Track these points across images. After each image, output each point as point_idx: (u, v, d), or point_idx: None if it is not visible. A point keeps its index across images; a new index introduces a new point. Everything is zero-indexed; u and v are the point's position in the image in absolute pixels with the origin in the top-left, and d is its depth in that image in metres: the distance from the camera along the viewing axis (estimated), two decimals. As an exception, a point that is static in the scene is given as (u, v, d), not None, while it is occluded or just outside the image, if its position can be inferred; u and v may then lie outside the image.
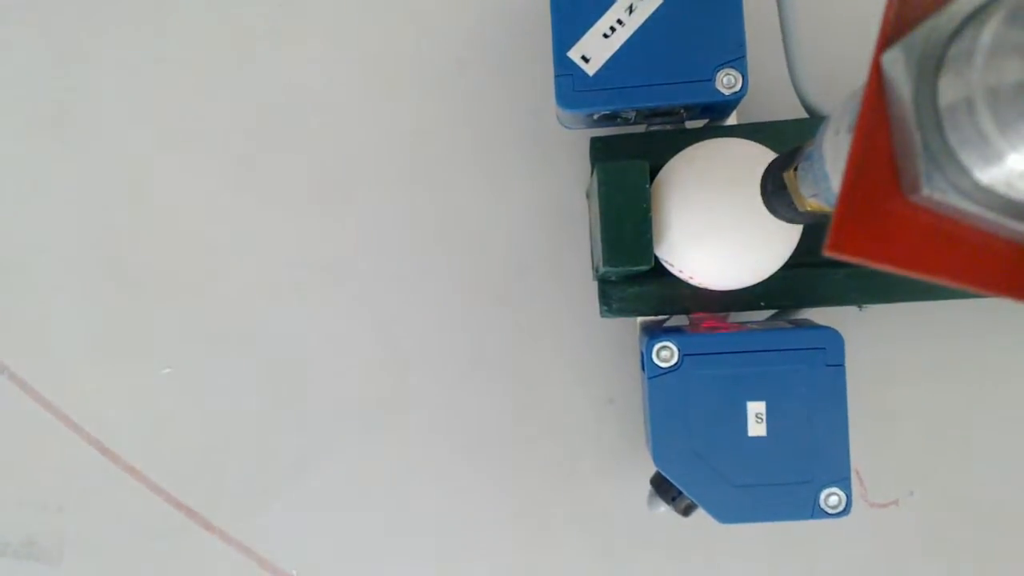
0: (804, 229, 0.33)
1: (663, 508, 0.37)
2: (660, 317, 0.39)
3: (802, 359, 0.35)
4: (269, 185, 0.44)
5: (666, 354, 0.35)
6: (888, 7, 0.16)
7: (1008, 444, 0.42)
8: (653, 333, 0.36)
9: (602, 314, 0.39)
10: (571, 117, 0.37)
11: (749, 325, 0.37)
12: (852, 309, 0.39)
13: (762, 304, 0.38)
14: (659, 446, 0.35)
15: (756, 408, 0.35)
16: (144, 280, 0.44)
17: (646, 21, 0.35)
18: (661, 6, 0.35)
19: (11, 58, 0.45)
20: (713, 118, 0.38)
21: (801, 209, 0.25)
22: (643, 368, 0.36)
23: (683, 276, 0.35)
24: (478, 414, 0.44)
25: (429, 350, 0.44)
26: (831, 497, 0.35)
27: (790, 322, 0.38)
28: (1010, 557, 0.42)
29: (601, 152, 0.38)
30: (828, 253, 0.17)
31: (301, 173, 0.44)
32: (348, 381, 0.44)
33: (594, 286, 0.41)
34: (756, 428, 0.35)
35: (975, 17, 0.15)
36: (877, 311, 0.41)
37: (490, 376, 0.44)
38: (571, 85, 0.36)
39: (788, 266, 0.35)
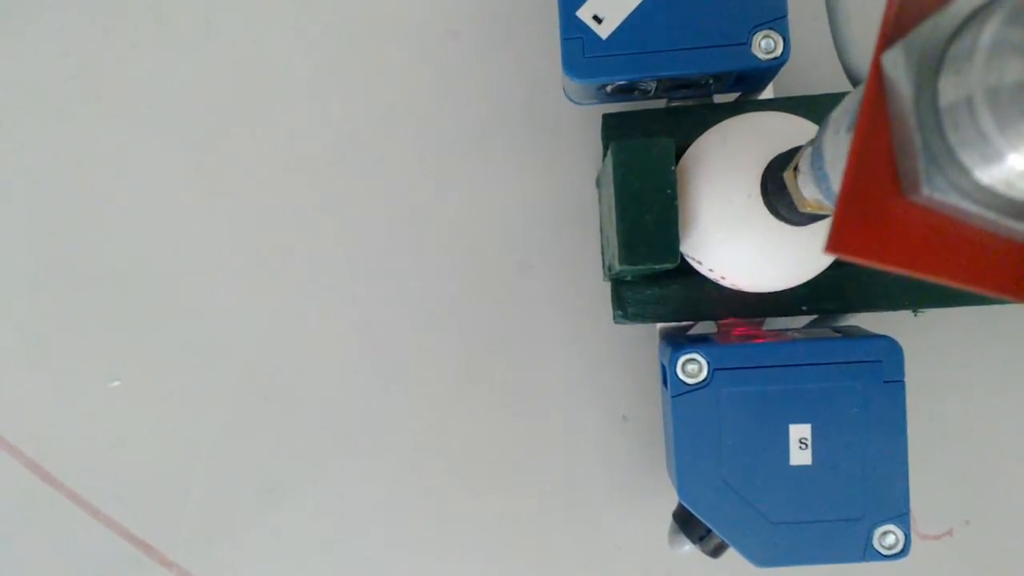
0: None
1: (688, 547, 0.32)
2: (684, 324, 0.34)
3: (854, 374, 0.30)
4: (235, 173, 0.39)
5: (693, 368, 0.30)
6: (888, 7, 0.16)
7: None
8: (677, 343, 0.31)
9: (616, 320, 0.34)
10: (580, 89, 0.32)
11: (789, 333, 0.32)
12: (906, 314, 0.34)
13: (804, 308, 0.33)
14: (684, 476, 0.30)
15: (800, 432, 0.30)
16: (90, 281, 0.39)
17: (669, -27, 0.30)
18: (688, -44, 0.30)
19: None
20: (747, 90, 0.33)
21: (802, 209, 0.25)
22: (665, 384, 0.32)
23: (712, 276, 0.31)
24: (474, 433, 0.39)
25: (418, 359, 0.39)
26: (887, 536, 0.31)
27: (836, 330, 0.33)
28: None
29: (616, 131, 0.33)
30: (827, 253, 0.17)
31: (272, 162, 0.39)
32: (328, 395, 0.39)
33: (607, 288, 0.36)
34: (799, 456, 0.30)
35: (975, 17, 0.15)
36: (933, 316, 0.36)
37: (488, 389, 0.39)
38: (580, 51, 0.31)
39: (834, 264, 0.30)
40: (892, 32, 0.16)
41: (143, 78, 0.39)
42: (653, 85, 0.32)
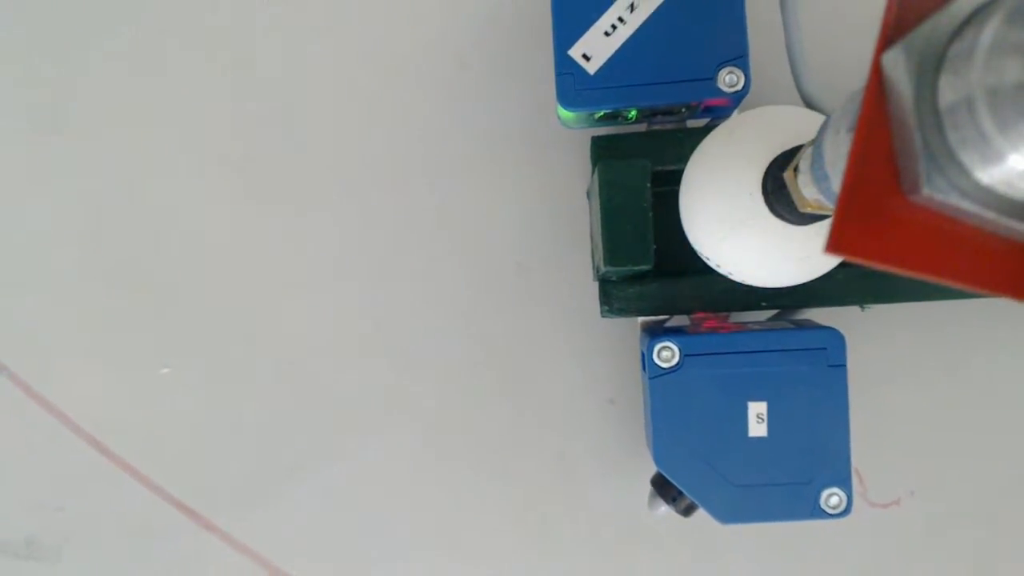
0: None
1: (664, 508, 0.37)
2: (661, 317, 0.39)
3: (804, 359, 0.35)
4: (267, 185, 0.44)
5: (667, 354, 0.35)
6: (888, 7, 0.16)
7: (1010, 444, 0.42)
8: (654, 333, 0.36)
9: (603, 314, 0.39)
10: (572, 117, 0.37)
11: (750, 325, 0.37)
12: (854, 309, 0.39)
13: (763, 304, 0.38)
14: (660, 446, 0.35)
15: (757, 409, 0.35)
16: (142, 281, 0.44)
17: (648, 19, 0.35)
18: (663, 4, 0.35)
19: (9, 59, 0.45)
20: (715, 116, 0.38)
21: (802, 210, 0.25)
22: (644, 368, 0.36)
23: (721, 271, 0.32)
24: (478, 414, 0.44)
25: (428, 350, 0.44)
26: (832, 497, 0.35)
27: (792, 322, 0.38)
28: (1012, 558, 0.42)
29: (602, 151, 0.38)
30: (828, 253, 0.17)
31: (300, 173, 0.44)
32: (348, 380, 0.44)
33: (595, 286, 0.40)
34: (757, 428, 0.35)
35: (975, 17, 0.15)
36: (879, 311, 0.41)
37: (491, 376, 0.44)
38: (572, 84, 0.35)
39: None
40: (892, 32, 0.16)
41: (189, 103, 0.45)
42: (634, 113, 0.37)
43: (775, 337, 0.35)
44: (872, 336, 0.43)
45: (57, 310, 0.44)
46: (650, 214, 0.34)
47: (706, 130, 0.38)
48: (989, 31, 0.14)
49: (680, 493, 0.36)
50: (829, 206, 0.23)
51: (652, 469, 0.37)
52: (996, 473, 0.42)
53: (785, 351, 0.35)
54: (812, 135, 0.24)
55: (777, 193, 0.26)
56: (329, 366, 0.44)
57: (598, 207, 0.35)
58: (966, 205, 0.16)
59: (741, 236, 0.29)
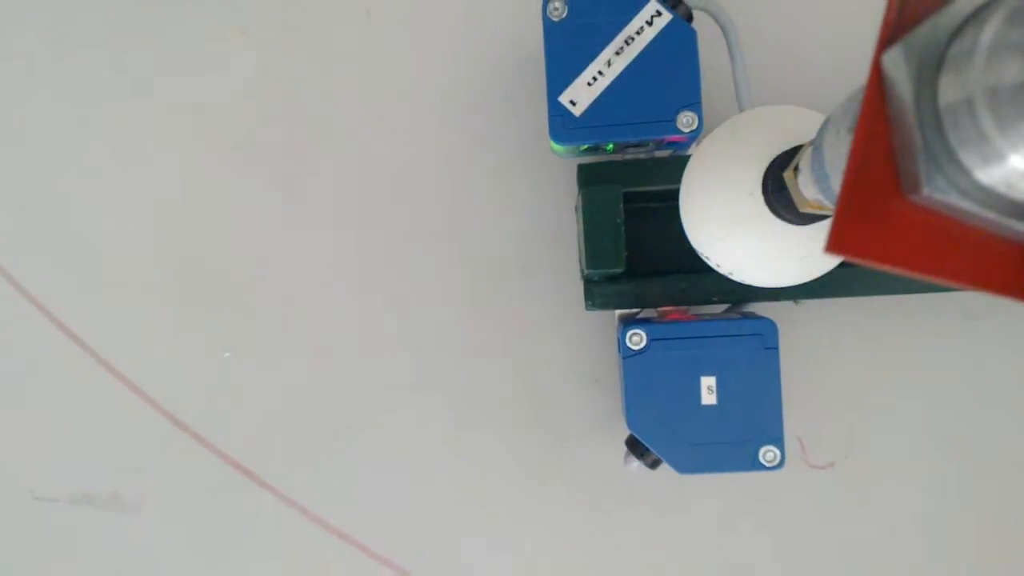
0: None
1: (635, 464, 0.46)
2: (634, 310, 0.48)
3: (744, 343, 0.43)
4: (310, 200, 0.53)
5: (637, 339, 0.44)
6: (889, 7, 0.16)
7: (930, 415, 0.51)
8: (628, 323, 0.45)
9: (587, 308, 0.47)
10: (562, 149, 0.46)
11: (704, 316, 0.46)
12: (791, 303, 0.48)
13: (715, 299, 0.47)
14: (632, 413, 0.44)
15: (708, 382, 0.43)
16: (208, 279, 0.53)
17: (622, 72, 0.44)
18: (633, 61, 0.44)
19: (92, 81, 0.54)
20: (677, 149, 0.47)
21: (801, 209, 0.25)
22: (619, 351, 0.45)
23: (721, 270, 0.33)
24: (486, 392, 0.52)
25: (445, 340, 0.53)
26: (768, 453, 0.43)
27: (739, 314, 0.47)
28: (934, 513, 0.51)
29: (586, 177, 0.47)
30: (828, 252, 0.17)
31: (339, 190, 0.53)
32: (378, 365, 0.53)
33: (581, 285, 0.49)
34: (708, 398, 0.43)
35: (975, 17, 0.15)
36: (813, 304, 0.50)
37: (497, 361, 0.52)
38: (562, 124, 0.44)
39: None
40: (893, 32, 0.16)
41: (247, 135, 0.54)
42: (611, 146, 0.45)
43: (722, 325, 0.44)
44: (812, 324, 0.51)
45: (138, 302, 0.53)
46: (622, 229, 0.43)
47: (670, 159, 0.47)
48: (989, 31, 0.14)
49: (648, 450, 0.45)
50: (829, 206, 0.23)
51: (626, 433, 0.46)
52: (917, 439, 0.51)
53: (731, 336, 0.44)
54: (812, 135, 0.24)
55: (777, 193, 0.26)
56: (361, 354, 0.53)
57: (582, 222, 0.44)
58: (966, 205, 0.16)
59: (741, 236, 0.29)
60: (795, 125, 0.28)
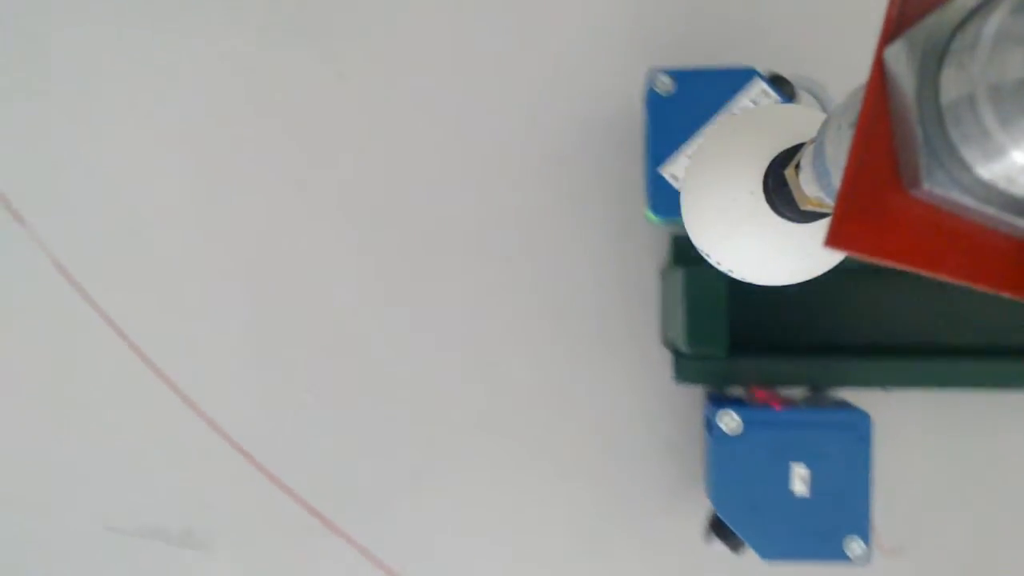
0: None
1: (718, 544, 0.46)
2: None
3: (838, 434, 0.43)
4: (390, 250, 0.54)
5: (731, 424, 0.44)
6: (892, 1, 0.16)
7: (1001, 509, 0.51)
8: (718, 401, 0.45)
9: (676, 382, 0.47)
10: (657, 219, 0.46)
11: (794, 398, 0.46)
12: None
13: (810, 384, 0.47)
14: (718, 495, 0.44)
15: (799, 470, 0.43)
16: (291, 325, 0.54)
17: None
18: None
19: (182, 123, 0.55)
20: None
21: (803, 207, 0.25)
22: (708, 429, 0.45)
23: (722, 268, 0.32)
24: (562, 448, 0.53)
25: (521, 396, 0.53)
26: (854, 545, 0.43)
27: (831, 400, 0.47)
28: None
29: (682, 251, 0.47)
30: (828, 246, 0.17)
31: (426, 243, 0.54)
32: (449, 408, 0.53)
33: (660, 346, 0.49)
34: (798, 486, 0.43)
35: (978, 13, 0.15)
36: (901, 392, 0.50)
37: (573, 418, 0.53)
38: (663, 196, 0.44)
39: (820, 352, 0.43)
40: (895, 27, 0.16)
41: (322, 183, 0.54)
42: (714, 224, 0.45)
43: (816, 414, 0.44)
44: (896, 414, 0.51)
45: (222, 340, 0.54)
46: (725, 311, 0.43)
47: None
48: (992, 27, 0.14)
49: (732, 533, 0.45)
50: (830, 203, 0.23)
51: (704, 503, 0.46)
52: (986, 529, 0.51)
53: (823, 426, 0.44)
54: (813, 133, 0.24)
55: (778, 191, 0.26)
56: (435, 400, 0.53)
57: (677, 295, 0.44)
58: (966, 200, 0.16)
59: (742, 234, 0.29)
60: (796, 123, 0.28)
